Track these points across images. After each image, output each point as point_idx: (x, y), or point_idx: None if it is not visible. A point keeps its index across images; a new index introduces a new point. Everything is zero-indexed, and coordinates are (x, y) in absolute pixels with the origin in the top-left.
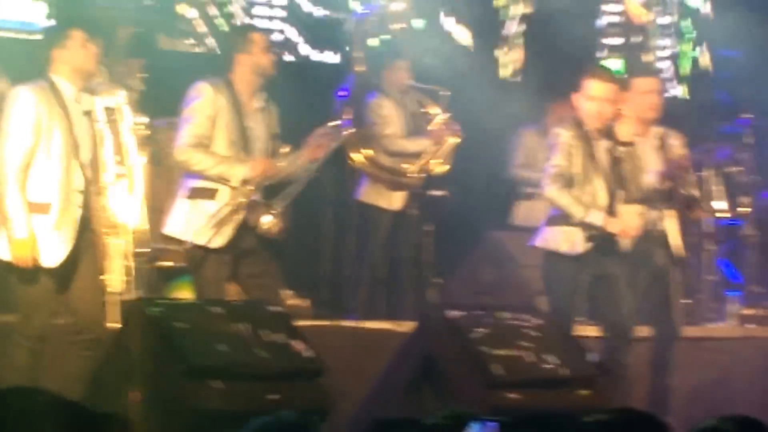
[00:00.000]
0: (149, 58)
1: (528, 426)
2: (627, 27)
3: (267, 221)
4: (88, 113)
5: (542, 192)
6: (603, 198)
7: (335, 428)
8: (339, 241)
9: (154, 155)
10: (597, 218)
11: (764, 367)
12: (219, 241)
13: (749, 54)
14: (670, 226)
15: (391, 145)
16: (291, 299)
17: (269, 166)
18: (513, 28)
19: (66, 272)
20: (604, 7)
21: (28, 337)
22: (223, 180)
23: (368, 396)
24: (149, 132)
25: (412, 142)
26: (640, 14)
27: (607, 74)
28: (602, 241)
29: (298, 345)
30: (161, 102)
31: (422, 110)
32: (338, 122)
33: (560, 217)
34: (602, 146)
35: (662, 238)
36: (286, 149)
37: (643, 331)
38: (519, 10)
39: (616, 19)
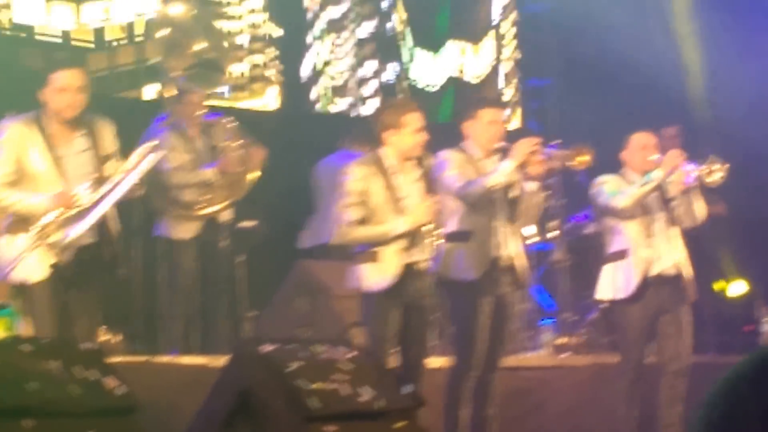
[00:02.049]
0: None
1: None
2: None
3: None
4: None
5: (339, 239)
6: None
7: None
8: (150, 275)
9: None
10: (401, 224)
11: (578, 396)
12: (35, 275)
13: (556, 82)
14: (517, 249)
15: (175, 178)
16: (103, 334)
17: (66, 200)
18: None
19: None
20: None
21: None
22: (26, 216)
23: None
24: None
25: (195, 174)
26: None
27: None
28: (413, 271)
29: (111, 382)
30: None
31: (222, 140)
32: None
33: (368, 254)
34: (411, 176)
35: (509, 264)
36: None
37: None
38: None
39: None
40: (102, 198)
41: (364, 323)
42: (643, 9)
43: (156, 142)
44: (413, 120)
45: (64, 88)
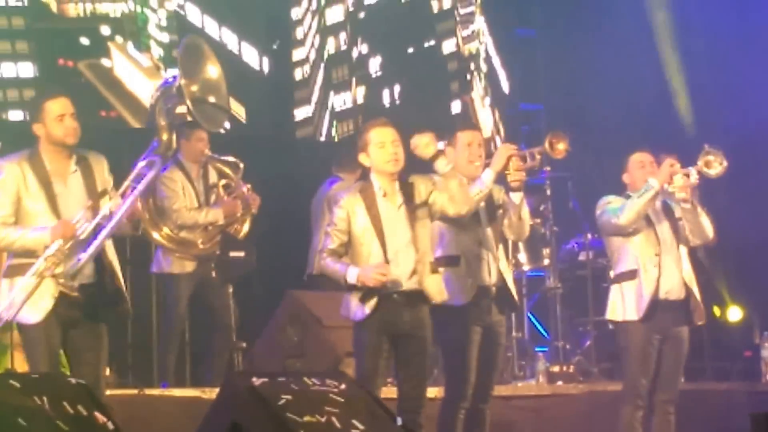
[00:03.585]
0: None
1: None
2: None
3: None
4: None
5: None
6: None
7: None
8: (140, 307)
9: None
10: (352, 275)
11: (573, 425)
12: (36, 316)
13: (549, 107)
14: (506, 275)
15: (181, 218)
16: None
17: (67, 229)
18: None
19: None
20: None
21: None
22: (29, 251)
23: None
24: None
25: (203, 214)
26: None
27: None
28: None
29: (100, 417)
30: None
31: (222, 181)
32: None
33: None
34: (395, 202)
35: (497, 291)
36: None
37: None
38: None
39: None
40: (100, 225)
41: (355, 355)
42: (633, 35)
43: (150, 162)
44: (376, 135)
45: (63, 114)
